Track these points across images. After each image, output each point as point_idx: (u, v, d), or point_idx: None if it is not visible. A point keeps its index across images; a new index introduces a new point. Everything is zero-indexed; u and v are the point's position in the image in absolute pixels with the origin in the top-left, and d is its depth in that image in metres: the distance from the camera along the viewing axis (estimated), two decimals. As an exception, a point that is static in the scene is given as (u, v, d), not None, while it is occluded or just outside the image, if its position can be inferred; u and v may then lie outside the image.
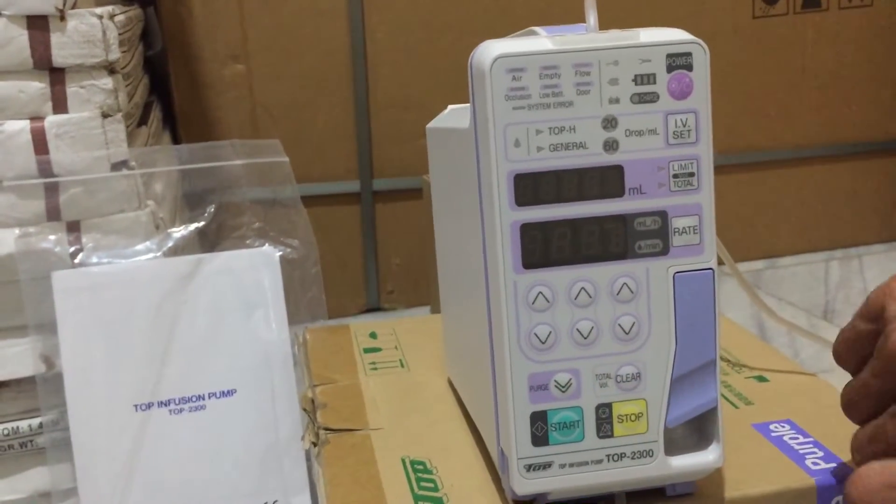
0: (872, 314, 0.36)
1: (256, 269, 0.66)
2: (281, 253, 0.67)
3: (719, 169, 0.38)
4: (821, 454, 0.43)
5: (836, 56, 1.22)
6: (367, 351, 0.59)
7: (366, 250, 1.16)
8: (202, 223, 0.68)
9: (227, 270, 0.66)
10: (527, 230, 0.36)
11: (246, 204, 0.69)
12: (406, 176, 1.12)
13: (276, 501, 0.63)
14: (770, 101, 1.22)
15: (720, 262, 0.39)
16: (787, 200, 1.26)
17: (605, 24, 0.38)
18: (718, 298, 0.38)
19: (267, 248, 0.68)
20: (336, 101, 1.10)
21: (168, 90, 1.06)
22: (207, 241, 0.69)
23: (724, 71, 1.17)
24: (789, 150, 1.24)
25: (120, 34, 0.65)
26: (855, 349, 0.38)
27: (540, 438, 0.38)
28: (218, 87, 1.07)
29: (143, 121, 0.82)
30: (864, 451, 0.37)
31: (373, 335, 0.62)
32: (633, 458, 0.38)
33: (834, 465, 0.42)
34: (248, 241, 0.68)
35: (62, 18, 0.61)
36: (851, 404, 0.38)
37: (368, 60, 1.10)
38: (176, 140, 1.06)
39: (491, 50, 0.36)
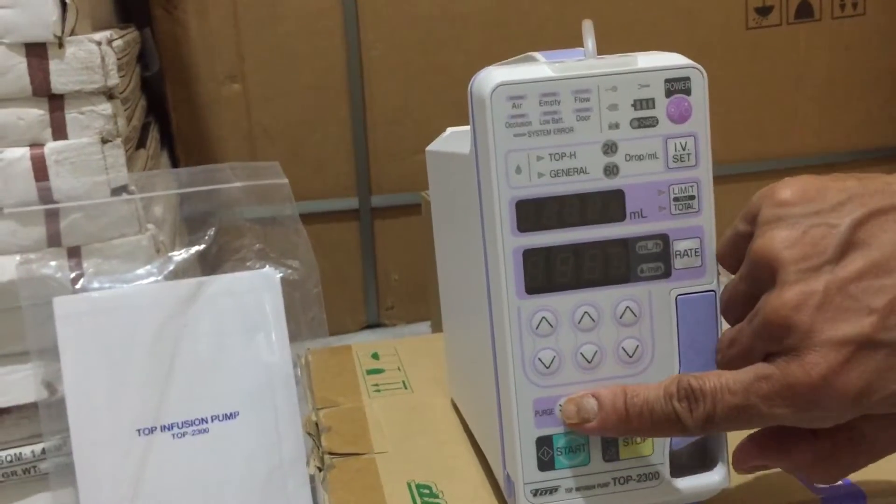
0: (750, 216, 0.36)
1: (257, 291, 0.66)
2: (282, 274, 0.67)
3: (715, 179, 0.38)
4: (825, 471, 0.43)
5: (830, 64, 1.22)
6: (369, 372, 0.59)
7: (365, 266, 1.17)
8: (202, 246, 0.68)
9: (229, 293, 0.66)
10: (529, 256, 0.37)
11: (246, 226, 0.69)
12: (404, 192, 1.12)
13: (280, 524, 0.63)
14: (765, 110, 1.22)
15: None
16: (783, 209, 1.26)
17: (600, 39, 0.38)
18: (721, 319, 0.39)
19: (268, 269, 0.68)
20: (333, 118, 1.11)
21: (165, 111, 1.06)
22: (208, 264, 0.69)
23: (719, 82, 1.17)
24: (785, 159, 1.25)
25: (118, 59, 0.65)
26: (734, 250, 0.37)
27: (546, 463, 0.38)
28: (215, 107, 1.07)
29: (141, 143, 0.82)
30: (725, 353, 0.37)
31: (375, 356, 0.62)
32: (639, 481, 0.39)
33: (840, 482, 0.42)
34: (248, 264, 0.68)
35: (61, 45, 0.61)
36: (726, 307, 0.38)
37: (365, 78, 1.10)
38: (174, 160, 1.06)
39: (491, 77, 0.36)
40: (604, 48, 0.38)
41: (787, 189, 0.34)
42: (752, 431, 0.37)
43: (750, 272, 0.35)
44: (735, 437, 0.38)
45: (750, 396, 0.33)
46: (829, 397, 0.32)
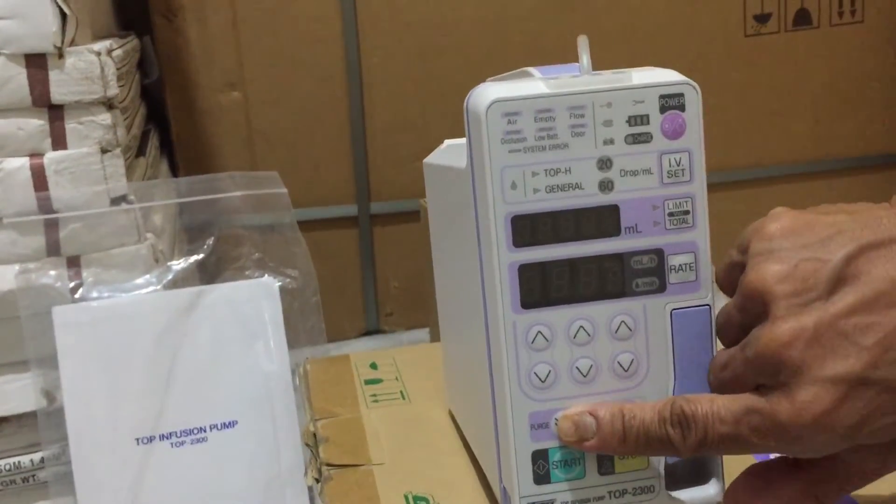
0: (742, 247, 0.36)
1: (256, 299, 0.66)
2: (280, 283, 0.68)
3: (712, 187, 0.39)
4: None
5: (828, 72, 1.23)
6: (367, 383, 0.59)
7: (364, 273, 1.17)
8: (202, 255, 0.69)
9: (227, 302, 0.66)
10: (525, 271, 0.37)
11: (245, 235, 0.70)
12: (403, 199, 1.13)
13: (278, 534, 0.63)
14: (763, 117, 1.23)
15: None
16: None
17: (598, 48, 0.38)
18: (716, 333, 0.39)
19: (266, 278, 0.68)
20: (332, 125, 1.11)
21: (165, 118, 1.07)
22: (207, 273, 0.69)
23: (717, 89, 1.18)
24: (783, 167, 1.25)
25: (118, 68, 0.65)
26: (730, 278, 0.37)
27: (542, 476, 0.38)
28: (215, 115, 1.07)
29: (140, 151, 0.82)
30: (717, 375, 0.37)
31: (373, 366, 0.62)
32: (634, 494, 0.39)
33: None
34: (247, 273, 0.69)
35: (60, 56, 0.62)
36: (721, 330, 0.38)
37: (364, 85, 1.10)
38: (173, 167, 1.06)
39: (486, 94, 0.36)
40: (602, 57, 0.38)
41: (776, 223, 0.34)
42: (737, 476, 0.38)
43: (743, 303, 0.35)
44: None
45: (740, 428, 0.33)
46: (819, 434, 0.32)
